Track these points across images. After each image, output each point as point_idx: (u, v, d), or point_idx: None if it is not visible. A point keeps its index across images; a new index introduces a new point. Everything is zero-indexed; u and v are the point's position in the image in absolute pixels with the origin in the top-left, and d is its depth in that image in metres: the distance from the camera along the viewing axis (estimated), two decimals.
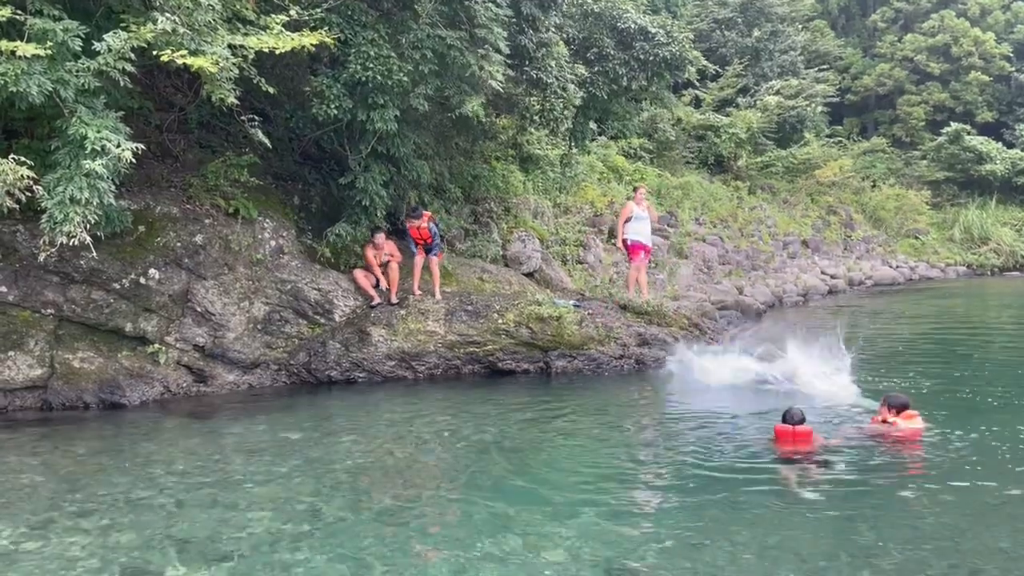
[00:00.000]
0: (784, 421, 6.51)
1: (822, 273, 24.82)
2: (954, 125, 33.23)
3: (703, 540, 4.62)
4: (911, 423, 6.81)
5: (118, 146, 7.11)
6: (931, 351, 11.70)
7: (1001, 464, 5.91)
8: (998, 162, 32.58)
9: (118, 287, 9.39)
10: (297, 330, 10.43)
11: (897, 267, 28.71)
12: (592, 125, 15.08)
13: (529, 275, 13.74)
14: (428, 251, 11.16)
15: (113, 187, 7.44)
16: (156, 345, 9.58)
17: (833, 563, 4.23)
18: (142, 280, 9.55)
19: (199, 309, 9.83)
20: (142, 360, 9.54)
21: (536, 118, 12.94)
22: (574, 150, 14.68)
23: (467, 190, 13.85)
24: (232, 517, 5.26)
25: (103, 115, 7.43)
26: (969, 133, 33.14)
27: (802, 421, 6.47)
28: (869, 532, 4.68)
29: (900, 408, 6.89)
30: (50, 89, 7.03)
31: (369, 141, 10.39)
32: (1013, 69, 36.80)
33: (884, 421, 6.85)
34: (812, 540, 4.57)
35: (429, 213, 11.31)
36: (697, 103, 27.08)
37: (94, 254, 8.10)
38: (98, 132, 7.13)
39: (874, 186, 31.65)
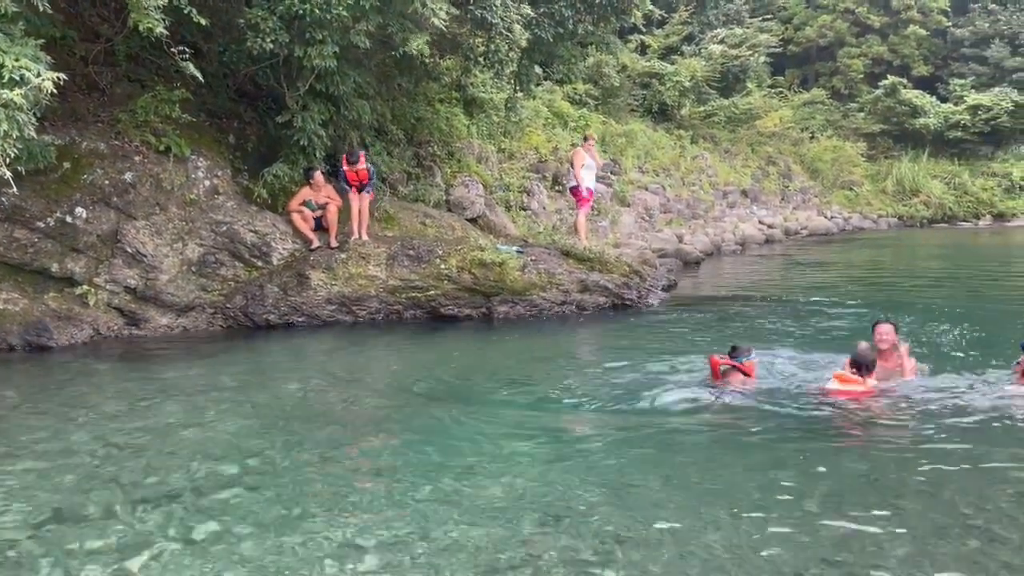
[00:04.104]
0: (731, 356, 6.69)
1: (760, 223, 25.31)
2: (891, 78, 33.88)
3: (638, 481, 4.70)
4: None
5: (38, 75, 6.72)
6: (858, 296, 12.04)
7: (924, 407, 6.13)
8: (931, 116, 33.41)
9: (43, 226, 9.03)
10: (233, 273, 10.19)
11: (832, 218, 29.45)
12: (537, 69, 14.88)
13: (472, 220, 13.64)
14: (361, 189, 10.93)
15: (34, 120, 7.06)
16: (85, 287, 9.27)
17: (765, 500, 4.36)
18: (68, 219, 9.19)
19: (130, 250, 9.52)
20: (70, 302, 9.23)
21: (481, 59, 12.69)
22: (519, 94, 14.49)
23: (410, 132, 13.60)
24: (165, 461, 5.16)
25: (22, 42, 7.00)
26: (905, 87, 33.85)
27: (734, 355, 6.65)
28: (798, 473, 4.83)
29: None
30: None
31: (307, 78, 10.08)
32: (949, 24, 37.52)
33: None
34: (744, 481, 4.70)
35: (364, 153, 11.07)
36: (643, 50, 26.98)
37: (15, 190, 7.71)
38: (16, 60, 6.72)
39: (812, 137, 32.21)
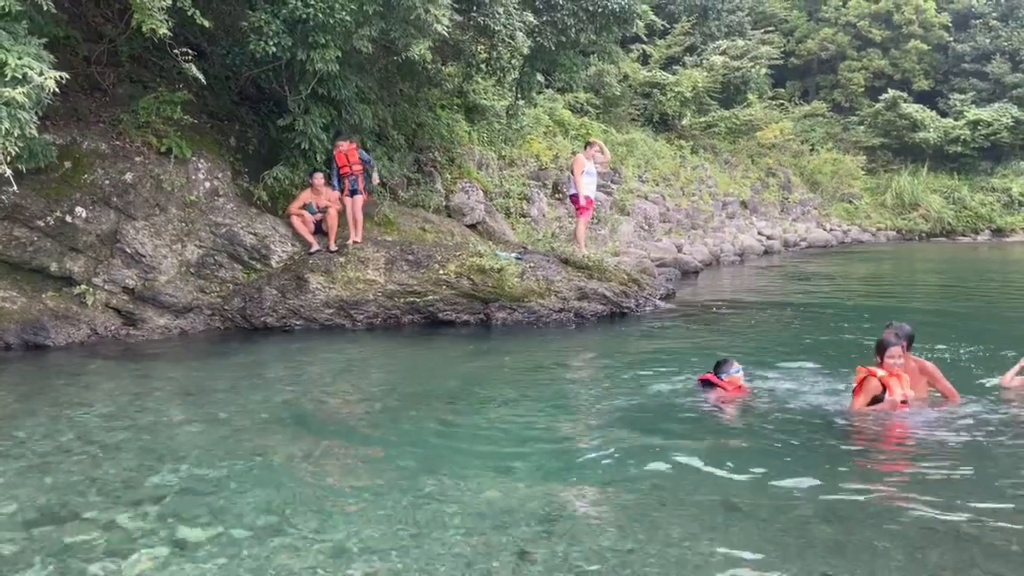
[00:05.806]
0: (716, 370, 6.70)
1: (759, 234, 25.36)
2: (892, 92, 33.99)
3: (631, 490, 4.69)
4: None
5: (41, 74, 6.74)
6: (857, 309, 12.05)
7: (923, 415, 6.13)
8: (931, 130, 33.50)
9: (42, 225, 9.03)
10: (232, 275, 10.19)
11: (831, 230, 29.51)
12: (539, 77, 14.92)
13: (472, 226, 13.65)
14: (353, 192, 10.87)
15: (36, 118, 7.08)
16: (83, 286, 9.27)
17: (758, 508, 4.35)
18: (68, 218, 9.19)
19: (129, 250, 9.52)
20: (68, 301, 9.22)
21: (483, 66, 12.72)
22: (520, 101, 14.52)
23: (411, 138, 13.62)
24: (159, 460, 5.15)
25: (25, 41, 7.03)
26: (905, 101, 33.97)
27: (718, 371, 6.66)
28: (791, 482, 4.83)
29: None
30: None
31: (309, 82, 10.10)
32: (950, 39, 37.64)
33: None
34: (737, 489, 4.69)
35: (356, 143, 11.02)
36: (644, 59, 27.06)
37: (15, 189, 7.73)
38: (19, 59, 6.75)
39: (812, 150, 32.30)
